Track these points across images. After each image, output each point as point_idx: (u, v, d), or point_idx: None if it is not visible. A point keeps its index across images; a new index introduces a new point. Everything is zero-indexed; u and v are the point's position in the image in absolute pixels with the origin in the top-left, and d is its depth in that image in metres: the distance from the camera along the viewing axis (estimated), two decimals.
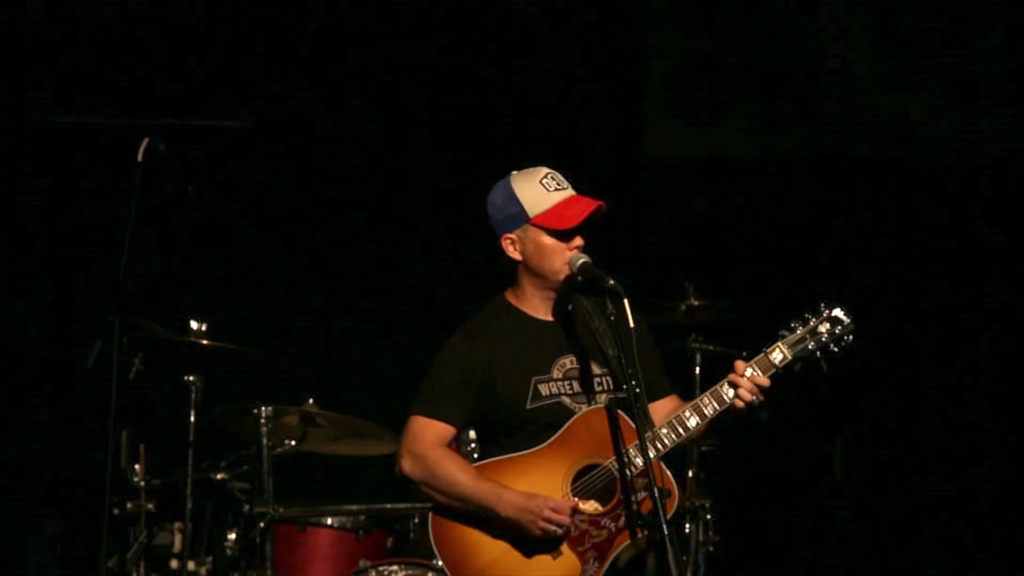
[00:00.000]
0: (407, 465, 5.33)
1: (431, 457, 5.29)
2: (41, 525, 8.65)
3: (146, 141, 6.38)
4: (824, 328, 5.29)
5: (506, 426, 5.34)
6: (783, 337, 5.30)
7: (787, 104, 9.22)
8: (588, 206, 5.28)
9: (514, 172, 5.40)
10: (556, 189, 5.31)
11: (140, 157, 6.34)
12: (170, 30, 8.78)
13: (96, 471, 7.33)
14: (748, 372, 5.24)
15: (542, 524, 5.17)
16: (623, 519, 5.23)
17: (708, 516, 7.77)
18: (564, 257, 5.29)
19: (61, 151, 8.67)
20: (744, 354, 5.30)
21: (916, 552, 9.03)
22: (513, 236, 5.34)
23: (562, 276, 5.32)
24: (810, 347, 5.29)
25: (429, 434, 5.32)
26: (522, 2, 9.10)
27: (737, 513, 8.55)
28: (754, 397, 5.22)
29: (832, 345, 5.30)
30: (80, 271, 8.67)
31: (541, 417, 5.30)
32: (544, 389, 5.33)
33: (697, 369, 7.89)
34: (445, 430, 5.34)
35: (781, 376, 5.28)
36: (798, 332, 5.30)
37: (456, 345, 5.39)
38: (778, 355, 5.28)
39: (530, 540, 5.23)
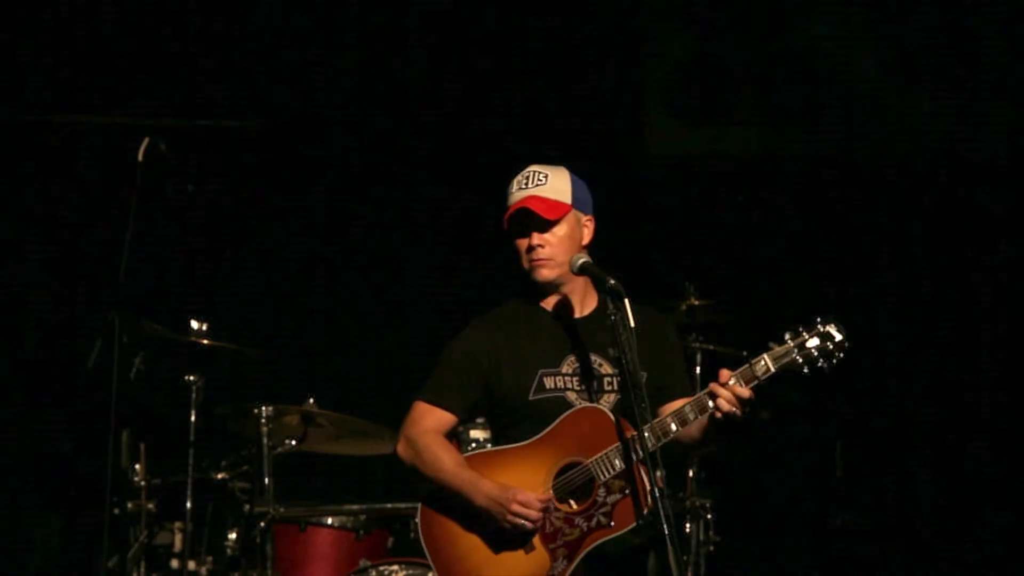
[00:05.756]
0: (401, 447, 5.42)
1: (421, 442, 5.35)
2: (42, 524, 8.64)
3: (146, 141, 6.38)
4: (813, 343, 5.20)
5: (510, 416, 5.38)
6: (771, 349, 5.23)
7: (788, 104, 9.22)
8: (516, 207, 5.34)
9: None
10: (518, 190, 5.39)
11: (140, 157, 6.34)
12: (171, 30, 8.79)
13: (97, 471, 7.33)
14: (731, 382, 5.20)
15: (510, 517, 5.21)
16: (595, 519, 5.23)
17: (708, 516, 7.78)
18: (524, 257, 5.37)
19: (61, 151, 8.67)
20: (745, 353, 5.28)
21: (916, 552, 9.04)
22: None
23: (534, 276, 5.37)
24: (798, 360, 5.20)
25: (428, 420, 5.39)
26: (523, 1, 9.10)
27: (737, 513, 8.54)
28: (732, 408, 5.16)
29: (821, 360, 5.21)
30: (80, 270, 8.67)
31: (544, 409, 5.32)
32: (549, 382, 5.35)
33: (697, 369, 7.89)
34: (444, 417, 5.41)
35: (764, 385, 5.20)
36: (787, 344, 5.23)
37: (467, 333, 5.47)
38: (762, 367, 5.21)
39: (504, 534, 5.25)
